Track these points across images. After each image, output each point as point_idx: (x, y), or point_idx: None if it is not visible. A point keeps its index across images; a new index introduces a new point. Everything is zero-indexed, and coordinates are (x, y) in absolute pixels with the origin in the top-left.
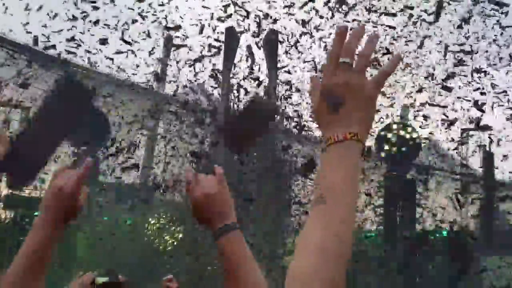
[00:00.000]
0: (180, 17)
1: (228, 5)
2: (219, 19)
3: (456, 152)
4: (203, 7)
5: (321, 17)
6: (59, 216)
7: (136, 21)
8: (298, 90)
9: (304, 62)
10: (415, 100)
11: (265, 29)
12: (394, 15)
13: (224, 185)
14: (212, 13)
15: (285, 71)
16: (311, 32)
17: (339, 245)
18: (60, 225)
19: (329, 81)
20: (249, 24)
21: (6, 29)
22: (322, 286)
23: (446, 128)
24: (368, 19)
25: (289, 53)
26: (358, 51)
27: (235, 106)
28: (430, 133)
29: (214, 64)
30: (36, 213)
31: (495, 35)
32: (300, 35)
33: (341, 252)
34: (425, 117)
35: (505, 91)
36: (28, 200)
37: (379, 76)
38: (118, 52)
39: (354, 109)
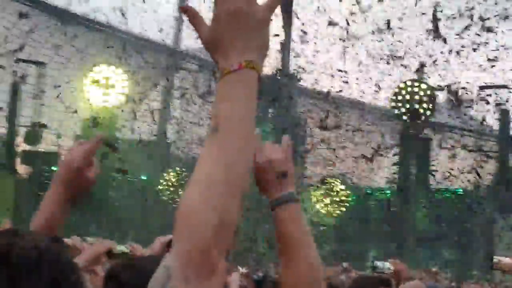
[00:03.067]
0: None
1: None
2: None
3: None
4: None
5: None
6: (67, 190)
7: None
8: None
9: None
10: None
11: None
12: None
13: (288, 154)
14: None
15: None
16: None
17: (231, 175)
18: (69, 200)
19: (219, 9)
20: None
21: None
22: (212, 216)
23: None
24: None
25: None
26: None
27: None
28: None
29: None
30: (53, 168)
31: None
32: None
33: (233, 182)
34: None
35: None
36: (45, 155)
37: (271, 1)
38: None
39: (247, 35)
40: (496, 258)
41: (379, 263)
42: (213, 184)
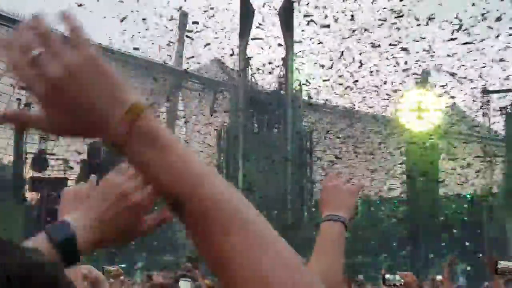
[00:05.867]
0: None
1: None
2: None
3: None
4: None
5: None
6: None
7: None
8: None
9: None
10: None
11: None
12: None
13: (355, 193)
14: None
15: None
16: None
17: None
18: None
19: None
20: None
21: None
22: None
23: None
24: None
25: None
26: None
27: (253, 79)
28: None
29: (229, 39)
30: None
31: None
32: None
33: None
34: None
35: None
36: (52, 182)
37: None
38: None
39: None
40: (501, 263)
41: (389, 276)
42: None
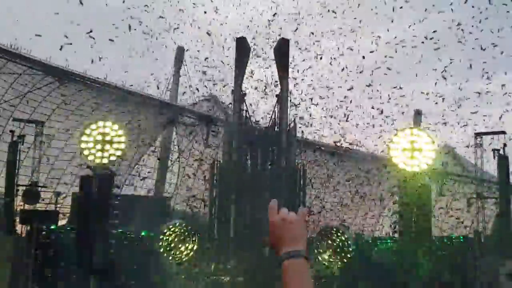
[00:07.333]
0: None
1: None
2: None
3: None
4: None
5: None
6: None
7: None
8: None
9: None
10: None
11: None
12: None
13: (303, 220)
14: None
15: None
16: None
17: None
18: None
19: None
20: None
21: (19, 44)
22: None
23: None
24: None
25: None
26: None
27: (247, 114)
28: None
29: (225, 75)
30: (52, 226)
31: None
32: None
33: None
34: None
35: None
36: (43, 214)
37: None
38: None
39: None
40: None
41: None
42: None
